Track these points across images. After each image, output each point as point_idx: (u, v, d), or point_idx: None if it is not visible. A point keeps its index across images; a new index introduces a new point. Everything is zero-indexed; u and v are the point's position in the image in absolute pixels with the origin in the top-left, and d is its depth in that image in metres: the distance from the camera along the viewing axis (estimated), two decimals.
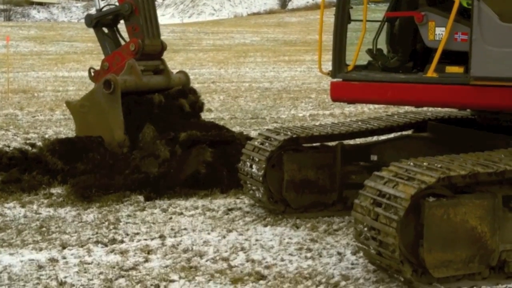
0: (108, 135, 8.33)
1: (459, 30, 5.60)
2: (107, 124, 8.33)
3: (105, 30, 9.28)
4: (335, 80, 6.33)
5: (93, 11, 9.65)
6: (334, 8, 6.28)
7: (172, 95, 8.96)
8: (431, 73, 5.69)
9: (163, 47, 9.11)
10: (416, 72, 6.07)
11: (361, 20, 6.20)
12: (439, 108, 7.42)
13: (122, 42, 9.21)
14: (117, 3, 9.17)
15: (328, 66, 6.53)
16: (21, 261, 5.48)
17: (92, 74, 9.10)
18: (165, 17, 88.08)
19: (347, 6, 6.23)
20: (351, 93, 6.31)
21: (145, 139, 8.39)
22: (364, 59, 6.46)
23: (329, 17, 6.44)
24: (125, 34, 9.20)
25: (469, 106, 6.39)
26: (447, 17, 5.61)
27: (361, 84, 6.20)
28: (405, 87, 5.94)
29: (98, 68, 9.13)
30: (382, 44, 6.61)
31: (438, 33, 5.72)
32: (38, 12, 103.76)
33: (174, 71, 9.52)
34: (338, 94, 6.38)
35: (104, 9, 9.25)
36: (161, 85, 8.94)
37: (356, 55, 6.22)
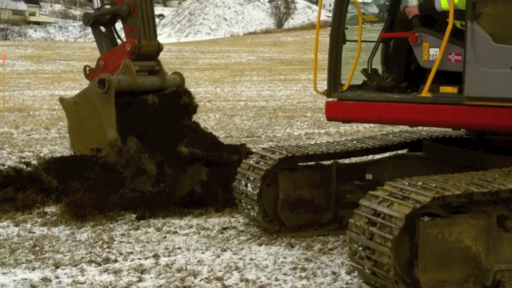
0: (100, 134, 8.27)
1: (453, 51, 5.65)
2: (100, 123, 8.28)
3: (102, 29, 9.25)
4: (330, 99, 6.35)
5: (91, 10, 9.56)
6: (329, 28, 6.32)
7: (166, 96, 8.91)
8: (425, 93, 5.73)
9: (159, 48, 9.07)
10: (410, 92, 6.10)
11: (356, 41, 6.25)
12: (434, 128, 7.44)
13: (119, 42, 9.17)
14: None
15: (323, 85, 6.55)
16: (14, 281, 5.45)
17: (87, 72, 9.06)
18: (162, 36, 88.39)
19: (342, 27, 6.29)
20: (346, 113, 6.34)
21: (130, 152, 8.31)
22: (359, 78, 6.50)
23: (325, 36, 6.48)
24: (122, 33, 9.16)
25: (462, 126, 6.41)
26: (441, 38, 5.66)
27: (356, 103, 6.23)
28: (400, 106, 5.97)
29: (93, 66, 9.07)
30: (377, 64, 6.65)
31: (432, 53, 5.77)
32: (35, 31, 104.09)
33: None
34: (333, 113, 6.41)
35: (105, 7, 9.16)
36: (155, 85, 8.89)
37: (351, 75, 6.27)
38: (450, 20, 5.52)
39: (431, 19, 5.99)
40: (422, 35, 5.84)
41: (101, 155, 8.31)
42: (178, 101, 8.97)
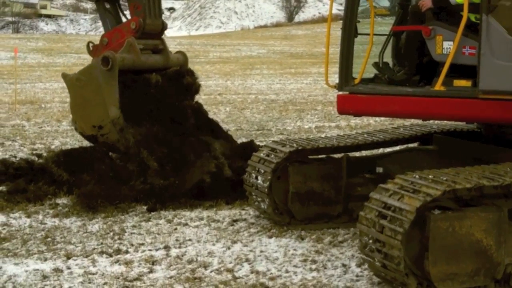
0: (102, 111, 8.19)
1: (467, 44, 5.61)
2: (102, 100, 8.18)
3: (107, 5, 9.14)
4: (341, 93, 6.33)
5: None
6: (341, 21, 6.31)
7: (169, 76, 8.84)
8: (438, 86, 5.70)
9: (163, 27, 8.95)
10: (423, 86, 6.07)
11: (367, 34, 6.22)
12: (445, 121, 7.41)
13: (123, 19, 9.06)
14: None
15: (334, 79, 6.55)
16: (26, 271, 5.49)
17: (91, 48, 8.97)
18: (173, 29, 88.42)
19: (354, 20, 6.25)
20: (358, 106, 6.31)
21: (128, 143, 8.22)
22: (370, 72, 6.48)
23: (336, 30, 6.47)
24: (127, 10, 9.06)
25: (476, 120, 6.38)
26: (454, 31, 5.62)
27: (367, 97, 6.20)
28: (413, 100, 5.93)
29: (97, 43, 8.97)
30: (388, 57, 6.63)
31: (445, 47, 5.73)
32: (46, 24, 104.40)
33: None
34: (345, 107, 6.38)
35: None
36: (159, 64, 8.81)
37: (363, 68, 6.24)
38: (465, 13, 5.48)
39: (444, 12, 5.95)
40: (435, 28, 5.80)
41: (102, 132, 8.22)
42: (181, 80, 8.90)
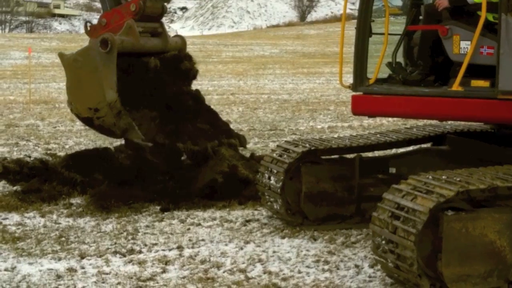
0: (99, 94, 8.08)
1: (485, 44, 5.55)
2: (99, 83, 8.07)
3: None
4: (356, 93, 6.30)
5: None
6: (353, 20, 6.29)
7: (167, 60, 8.74)
8: (456, 86, 5.62)
9: (163, 10, 8.85)
10: (438, 86, 6.03)
11: (382, 33, 6.19)
12: (458, 121, 7.38)
13: (123, 0, 8.88)
14: None
15: (347, 78, 6.52)
16: (40, 271, 5.53)
17: (88, 28, 8.82)
18: (185, 29, 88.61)
19: (368, 19, 6.20)
20: (373, 107, 6.25)
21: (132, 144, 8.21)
22: (383, 72, 6.44)
23: (348, 29, 6.45)
24: None
25: (495, 121, 6.30)
26: (472, 30, 5.57)
27: (383, 97, 6.13)
28: (429, 100, 5.87)
29: (95, 23, 8.86)
30: (400, 57, 6.59)
31: (463, 46, 5.67)
32: (60, 24, 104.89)
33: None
34: (360, 108, 6.32)
35: None
36: (157, 48, 8.72)
37: (378, 68, 6.18)
38: (483, 12, 5.41)
39: (461, 12, 5.88)
40: (452, 27, 5.74)
41: (98, 115, 8.15)
42: (179, 65, 8.81)
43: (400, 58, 6.56)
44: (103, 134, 8.70)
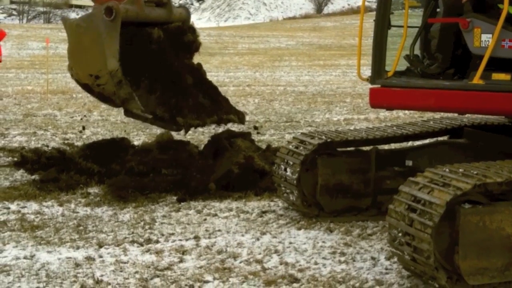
0: (101, 61, 7.98)
1: (507, 37, 5.50)
2: (102, 50, 7.97)
3: None
4: (374, 86, 6.27)
5: None
6: (370, 12, 6.25)
7: (171, 31, 8.64)
8: (477, 80, 5.57)
9: None
10: (457, 79, 6.00)
11: (400, 26, 6.16)
12: (476, 115, 7.34)
13: None
14: None
15: (362, 71, 6.50)
16: (59, 259, 5.59)
17: None
18: (202, 20, 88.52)
19: (387, 11, 6.15)
20: (391, 100, 6.20)
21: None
22: (401, 65, 6.41)
23: (365, 22, 6.42)
24: None
25: None
26: (493, 23, 5.52)
27: (402, 90, 6.07)
28: (449, 94, 5.82)
29: None
30: (417, 50, 6.56)
31: (484, 39, 5.61)
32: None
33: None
34: (378, 101, 6.27)
35: None
36: (161, 18, 8.62)
37: (397, 61, 6.12)
38: (505, 5, 5.36)
39: (482, 4, 5.82)
40: (473, 20, 5.66)
41: (99, 82, 8.08)
42: (182, 37, 8.71)
43: (417, 51, 6.54)
44: (103, 102, 8.60)
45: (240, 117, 8.88)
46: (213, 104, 8.74)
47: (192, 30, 8.93)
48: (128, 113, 8.35)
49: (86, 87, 8.37)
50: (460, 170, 4.98)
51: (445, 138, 7.54)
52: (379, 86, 6.22)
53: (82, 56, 8.17)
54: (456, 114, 7.65)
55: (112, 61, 7.93)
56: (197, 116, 8.38)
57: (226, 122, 8.81)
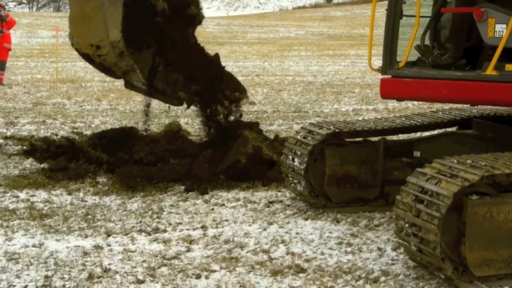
0: (103, 31, 7.72)
1: None
2: (104, 20, 7.68)
3: None
4: (385, 76, 6.18)
5: None
6: (380, 2, 6.19)
7: (174, 3, 8.40)
8: (490, 70, 5.50)
9: None
10: (469, 70, 5.94)
11: (412, 16, 6.09)
12: (485, 106, 7.30)
13: None
14: None
15: (373, 61, 6.45)
16: (67, 247, 5.63)
17: None
18: (211, 10, 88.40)
19: (400, 1, 6.06)
20: (402, 90, 6.12)
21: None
22: (412, 55, 6.34)
23: (376, 11, 6.35)
24: None
25: None
26: (507, 13, 5.45)
27: (413, 81, 6.00)
28: (462, 84, 5.74)
29: None
30: (427, 40, 6.51)
31: (498, 30, 5.53)
32: None
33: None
34: (389, 91, 6.19)
35: None
36: None
37: (408, 51, 6.01)
38: None
39: None
40: (488, 10, 5.58)
41: (99, 53, 7.91)
42: (186, 10, 8.50)
43: (427, 41, 6.49)
44: (103, 73, 8.46)
45: (241, 91, 8.78)
46: (214, 80, 8.62)
47: (196, 2, 8.70)
48: (128, 85, 8.24)
49: (87, 57, 8.18)
50: (468, 161, 4.98)
51: (453, 129, 7.52)
52: (390, 76, 6.16)
53: (83, 26, 7.94)
54: (465, 105, 7.62)
55: (114, 31, 7.72)
56: (199, 92, 8.32)
57: (230, 100, 8.71)
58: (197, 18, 8.66)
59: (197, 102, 8.49)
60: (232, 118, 8.67)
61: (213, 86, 8.48)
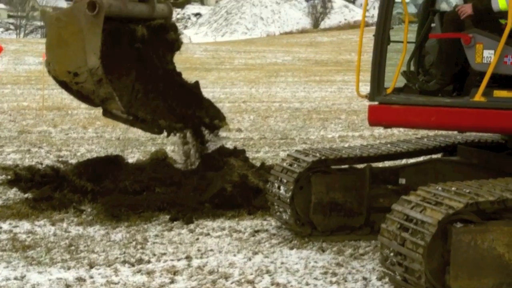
0: (81, 58, 7.59)
1: (510, 53, 5.47)
2: (82, 46, 7.55)
3: None
4: (373, 103, 6.13)
5: None
6: (367, 27, 6.19)
7: (154, 29, 8.37)
8: (478, 97, 5.51)
9: None
10: (457, 96, 5.95)
11: (399, 42, 6.10)
12: (469, 132, 7.32)
13: None
14: None
15: (360, 87, 6.42)
16: (49, 280, 5.55)
17: None
18: (199, 35, 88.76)
19: (387, 27, 6.04)
20: (391, 117, 6.07)
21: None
22: (399, 81, 6.30)
23: (363, 37, 6.33)
24: None
25: None
26: (496, 39, 5.48)
27: (401, 107, 5.96)
28: (450, 111, 5.72)
29: None
30: (412, 66, 6.51)
31: (486, 55, 5.56)
32: None
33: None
34: (377, 118, 6.13)
35: None
36: (143, 14, 8.32)
37: (396, 77, 6.01)
38: (509, 21, 5.32)
39: (485, 19, 5.77)
40: (476, 36, 5.61)
41: (77, 80, 7.76)
42: (165, 36, 8.48)
43: (413, 67, 6.48)
44: (80, 101, 8.34)
45: (220, 119, 8.74)
46: (196, 107, 8.59)
47: (174, 28, 8.69)
48: (107, 113, 8.15)
49: (64, 85, 8.08)
50: (453, 188, 4.98)
51: (439, 155, 7.54)
52: (377, 103, 6.09)
53: (61, 52, 7.83)
54: (450, 132, 7.65)
55: (92, 58, 7.61)
56: (180, 119, 8.27)
57: (210, 127, 8.68)
58: (176, 43, 8.65)
59: (177, 130, 8.44)
60: (214, 146, 8.64)
61: (193, 114, 8.45)
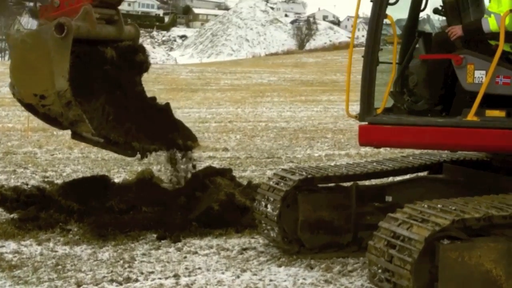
0: (48, 80, 7.47)
1: (501, 73, 5.54)
2: (49, 69, 7.44)
3: None
4: (363, 123, 6.15)
5: None
6: (355, 48, 6.24)
7: (122, 51, 8.33)
8: (471, 116, 5.56)
9: None
10: (446, 116, 6.01)
11: (388, 63, 6.16)
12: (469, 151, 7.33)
13: None
14: None
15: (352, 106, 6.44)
16: None
17: (38, 8, 8.08)
18: (184, 57, 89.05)
19: (376, 47, 6.09)
20: (382, 137, 6.09)
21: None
22: (389, 101, 6.34)
23: (346, 58, 6.41)
24: None
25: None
26: (486, 59, 5.55)
27: (392, 127, 5.98)
28: (441, 131, 5.76)
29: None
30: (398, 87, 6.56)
31: (477, 76, 5.61)
32: None
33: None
34: (368, 138, 6.15)
35: None
36: (111, 35, 8.27)
37: (386, 98, 6.04)
38: (501, 42, 5.41)
39: (475, 40, 5.84)
40: (467, 57, 5.67)
41: (44, 103, 7.67)
42: (134, 57, 8.44)
43: (398, 88, 6.52)
44: (48, 124, 8.25)
45: (192, 140, 8.72)
46: (167, 127, 8.56)
47: (143, 49, 8.67)
48: (76, 136, 8.06)
49: (30, 107, 7.97)
50: (439, 205, 5.02)
51: (424, 173, 7.59)
52: (367, 123, 6.11)
53: (26, 74, 7.74)
54: (435, 150, 7.71)
55: (61, 80, 7.50)
56: (153, 141, 8.24)
57: (183, 148, 8.65)
58: (145, 65, 8.62)
59: (151, 152, 8.39)
60: (189, 166, 8.64)
61: (166, 135, 8.45)
